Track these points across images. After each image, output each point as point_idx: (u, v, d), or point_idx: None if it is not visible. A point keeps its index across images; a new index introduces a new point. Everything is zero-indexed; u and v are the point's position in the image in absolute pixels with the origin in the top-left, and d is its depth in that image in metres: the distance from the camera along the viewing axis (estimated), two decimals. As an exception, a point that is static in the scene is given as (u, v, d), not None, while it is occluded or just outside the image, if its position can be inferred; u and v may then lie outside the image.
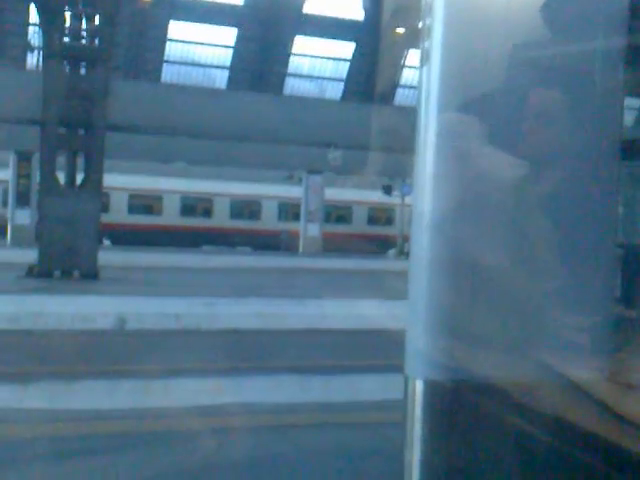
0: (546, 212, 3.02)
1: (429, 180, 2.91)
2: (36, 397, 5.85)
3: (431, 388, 2.88)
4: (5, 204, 28.18)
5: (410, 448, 2.89)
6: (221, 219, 33.25)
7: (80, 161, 15.60)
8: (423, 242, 2.97)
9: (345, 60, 34.30)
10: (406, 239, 31.26)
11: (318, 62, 34.35)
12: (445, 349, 2.90)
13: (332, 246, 30.07)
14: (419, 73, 2.99)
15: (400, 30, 28.05)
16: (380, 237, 33.29)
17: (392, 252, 31.90)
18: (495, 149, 2.94)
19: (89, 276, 14.57)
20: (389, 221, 35.06)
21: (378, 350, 8.33)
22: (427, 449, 2.87)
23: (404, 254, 29.97)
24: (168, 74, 32.71)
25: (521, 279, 3.00)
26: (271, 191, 33.60)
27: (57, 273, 14.66)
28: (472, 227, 2.95)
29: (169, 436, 4.72)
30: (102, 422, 4.99)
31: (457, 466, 2.88)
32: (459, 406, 2.90)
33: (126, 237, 29.16)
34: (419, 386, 2.88)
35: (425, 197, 2.94)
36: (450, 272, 2.94)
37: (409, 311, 2.99)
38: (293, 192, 31.79)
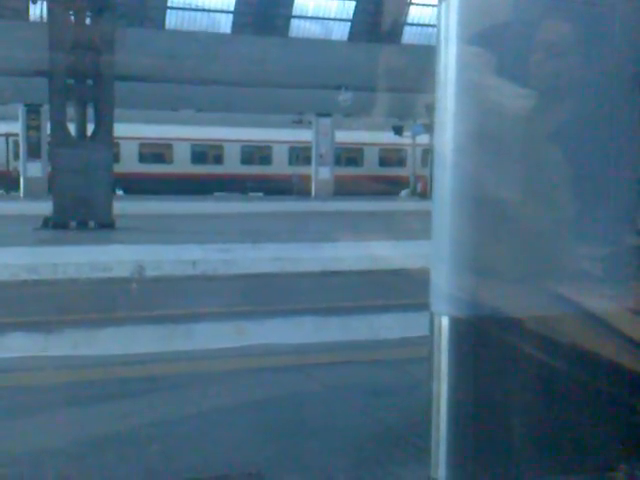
0: (564, 145, 3.02)
1: (450, 117, 2.91)
2: (60, 345, 5.94)
3: (456, 324, 2.93)
4: (17, 157, 28.21)
5: (437, 382, 2.96)
6: (232, 165, 33.17)
7: (90, 112, 15.58)
8: (445, 180, 2.98)
9: (350, -1, 33.70)
10: (418, 179, 31.18)
11: (323, 2, 33.78)
12: (469, 286, 2.93)
13: (344, 189, 30.01)
14: (437, 10, 2.97)
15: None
16: (392, 178, 33.14)
17: (405, 193, 31.82)
18: (515, 84, 2.93)
19: (105, 225, 14.67)
20: (401, 162, 34.89)
21: (394, 290, 8.40)
22: (453, 382, 2.93)
23: (417, 195, 29.92)
24: (172, 20, 32.28)
25: (542, 214, 3.01)
26: (281, 135, 33.41)
27: (73, 224, 14.77)
28: (492, 163, 2.96)
29: (195, 378, 4.81)
30: (127, 367, 5.07)
31: (483, 397, 2.94)
32: (483, 340, 2.95)
33: (138, 186, 29.19)
34: (445, 322, 2.93)
35: (446, 134, 2.95)
36: (472, 209, 2.95)
37: (433, 249, 3.02)
38: (303, 136, 31.62)
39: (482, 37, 2.88)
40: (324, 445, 3.56)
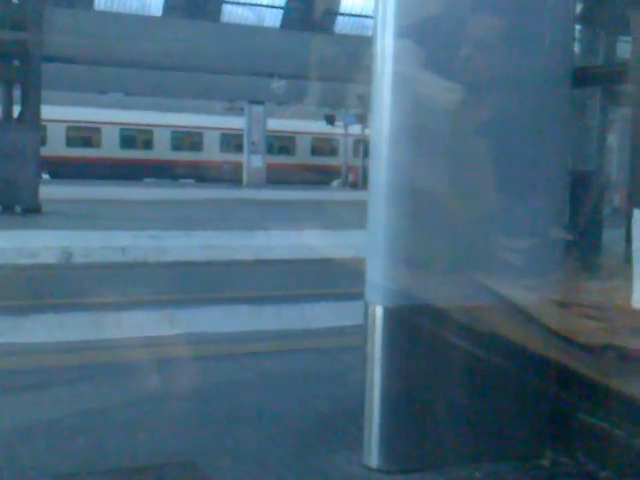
0: (496, 139, 3.08)
1: (386, 109, 2.95)
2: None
3: (390, 314, 2.98)
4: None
5: (371, 370, 3.01)
6: (162, 151, 32.79)
7: (16, 93, 15.18)
8: (380, 172, 3.02)
9: (284, -13, 33.53)
10: (349, 170, 31.34)
11: (256, -12, 33.51)
12: (403, 276, 2.99)
13: (276, 177, 30.00)
14: (375, 1, 3.00)
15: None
16: (324, 168, 33.27)
17: (336, 183, 31.98)
18: (450, 77, 2.97)
19: (31, 210, 14.34)
20: (333, 152, 35.04)
21: (324, 279, 8.46)
22: (386, 371, 2.99)
23: (348, 185, 30.09)
24: (102, 1, 31.58)
25: (473, 207, 3.08)
26: (213, 122, 33.17)
27: (-2, 208, 14.41)
28: (426, 155, 3.00)
29: (126, 367, 4.76)
30: (54, 355, 5.00)
31: (415, 386, 3.01)
32: (416, 330, 3.02)
33: (65, 170, 28.60)
34: (379, 312, 2.98)
35: (382, 126, 2.98)
36: (406, 201, 3.00)
37: (368, 240, 3.06)
38: (235, 123, 31.46)
39: (419, 29, 2.92)
40: (258, 433, 3.58)
